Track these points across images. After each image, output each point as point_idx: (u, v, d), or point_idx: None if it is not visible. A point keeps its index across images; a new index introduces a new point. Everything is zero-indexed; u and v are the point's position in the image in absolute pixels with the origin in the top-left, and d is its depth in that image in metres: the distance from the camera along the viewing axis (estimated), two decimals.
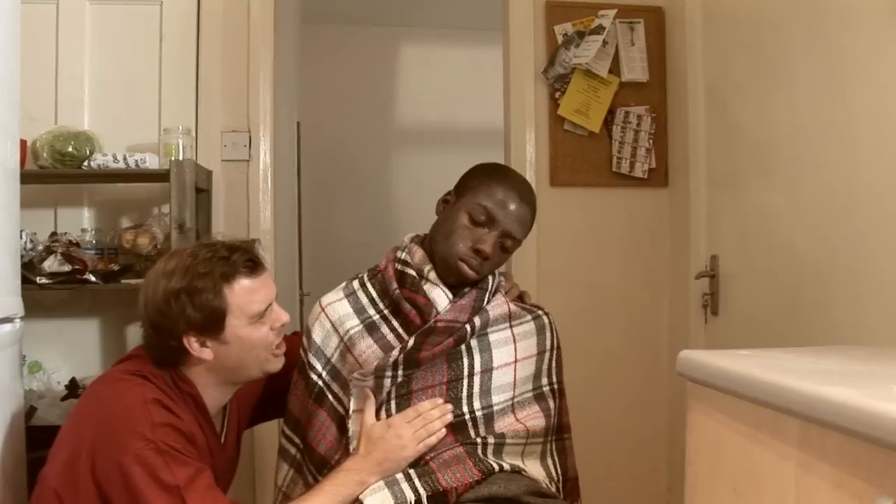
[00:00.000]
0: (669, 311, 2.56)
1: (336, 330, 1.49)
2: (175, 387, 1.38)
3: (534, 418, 1.47)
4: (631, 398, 2.56)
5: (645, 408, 2.56)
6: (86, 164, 2.10)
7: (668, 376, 2.56)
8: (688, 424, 1.10)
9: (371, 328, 1.47)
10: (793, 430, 0.85)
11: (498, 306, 1.48)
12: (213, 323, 1.35)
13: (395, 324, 1.46)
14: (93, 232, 2.25)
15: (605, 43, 2.48)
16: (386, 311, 1.48)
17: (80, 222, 2.32)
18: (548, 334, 1.54)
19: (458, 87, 4.48)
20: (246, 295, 1.38)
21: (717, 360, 1.03)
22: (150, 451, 1.24)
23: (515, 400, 1.46)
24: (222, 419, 1.52)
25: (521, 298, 1.58)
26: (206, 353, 1.37)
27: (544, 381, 1.52)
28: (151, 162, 2.12)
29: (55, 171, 2.11)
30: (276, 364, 1.47)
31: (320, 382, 1.48)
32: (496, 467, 1.36)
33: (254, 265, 1.41)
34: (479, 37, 4.17)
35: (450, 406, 1.40)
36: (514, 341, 1.49)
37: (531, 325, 1.52)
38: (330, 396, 1.47)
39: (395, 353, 1.40)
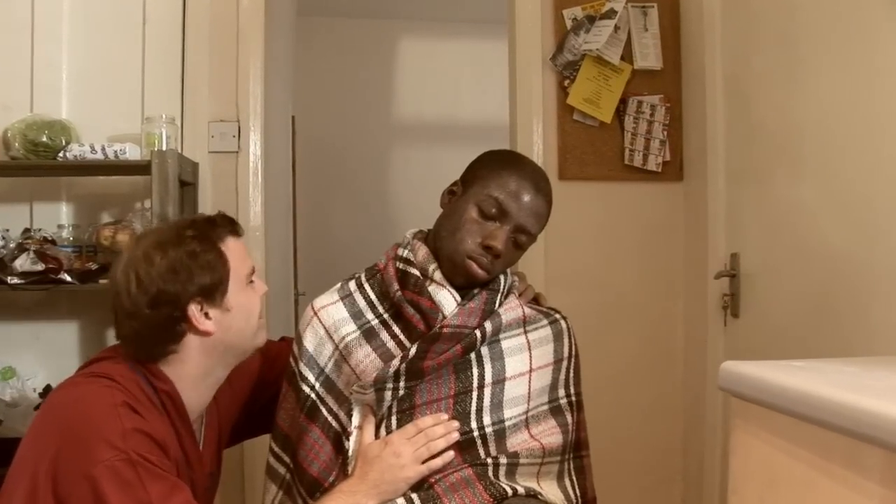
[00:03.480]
0: (685, 313, 2.43)
1: (330, 337, 1.34)
2: (149, 386, 1.25)
3: (550, 434, 1.32)
4: (643, 405, 2.42)
5: (658, 415, 2.43)
6: (61, 154, 1.96)
7: (682, 382, 2.43)
8: (732, 446, 0.96)
9: (369, 335, 1.32)
10: (874, 462, 0.71)
11: (511, 309, 1.33)
12: (218, 284, 1.28)
13: (396, 329, 1.31)
14: (70, 228, 2.10)
15: (616, 28, 2.35)
16: (386, 316, 1.33)
17: (57, 218, 2.18)
18: (565, 341, 1.39)
19: (458, 82, 4.42)
20: (239, 255, 1.33)
21: (771, 374, 0.89)
22: (122, 462, 1.11)
23: (530, 414, 1.32)
24: (199, 428, 1.37)
25: (536, 301, 1.43)
26: (210, 325, 1.27)
27: (561, 392, 1.38)
28: (132, 153, 1.98)
29: (28, 162, 1.97)
30: (262, 336, 1.39)
31: (313, 395, 1.33)
32: (509, 491, 1.21)
33: (234, 226, 1.37)
34: (480, 29, 4.14)
35: (455, 423, 1.26)
36: (529, 349, 1.34)
37: (547, 331, 1.38)
38: (324, 411, 1.32)
39: (395, 362, 1.25)
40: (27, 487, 1.14)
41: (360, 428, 1.28)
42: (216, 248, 1.29)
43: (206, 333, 1.27)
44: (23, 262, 1.88)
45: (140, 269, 1.26)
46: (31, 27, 2.18)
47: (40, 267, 1.88)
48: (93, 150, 1.95)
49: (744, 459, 0.94)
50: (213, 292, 1.27)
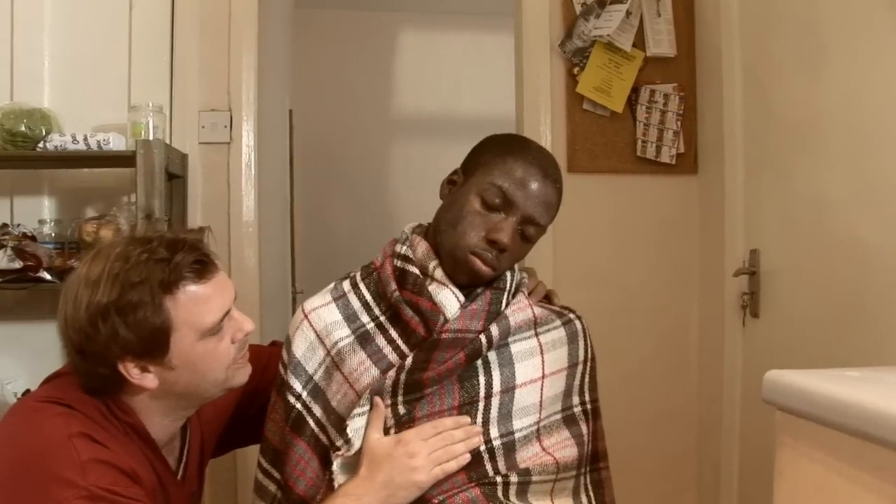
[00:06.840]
0: (701, 313, 2.32)
1: (322, 342, 1.22)
2: (111, 414, 1.11)
3: (564, 447, 1.20)
4: (656, 409, 2.31)
5: (672, 420, 2.32)
6: (41, 145, 1.85)
7: (697, 385, 2.33)
8: (778, 467, 0.85)
9: (364, 340, 1.20)
10: None
11: (520, 310, 1.21)
12: (153, 345, 1.07)
13: (394, 334, 1.19)
14: (52, 224, 1.99)
15: (628, 13, 2.24)
16: (382, 319, 1.21)
17: (39, 212, 2.07)
18: (581, 343, 1.27)
19: (460, 75, 4.34)
20: (194, 306, 1.10)
21: (826, 386, 0.78)
22: (84, 500, 0.97)
23: (542, 424, 1.20)
24: (181, 447, 1.25)
25: (548, 299, 1.31)
26: (149, 381, 1.10)
27: (576, 399, 1.26)
28: (116, 143, 1.87)
29: (6, 153, 1.86)
30: (242, 377, 1.20)
31: (298, 405, 1.20)
32: None
33: (203, 266, 1.12)
34: (482, 22, 4.10)
35: (477, 427, 1.14)
36: (542, 352, 1.22)
37: (561, 332, 1.25)
38: (311, 422, 1.20)
39: (392, 374, 1.14)
40: None
41: (348, 443, 1.15)
42: (158, 302, 1.06)
43: (145, 389, 1.11)
44: None
45: (68, 308, 1.08)
46: (11, 11, 2.07)
47: (18, 265, 1.78)
48: (74, 140, 1.85)
49: (793, 482, 0.83)
50: (147, 352, 1.08)
